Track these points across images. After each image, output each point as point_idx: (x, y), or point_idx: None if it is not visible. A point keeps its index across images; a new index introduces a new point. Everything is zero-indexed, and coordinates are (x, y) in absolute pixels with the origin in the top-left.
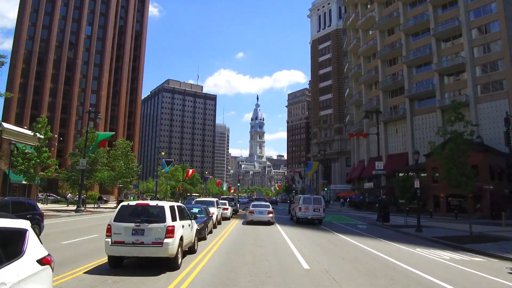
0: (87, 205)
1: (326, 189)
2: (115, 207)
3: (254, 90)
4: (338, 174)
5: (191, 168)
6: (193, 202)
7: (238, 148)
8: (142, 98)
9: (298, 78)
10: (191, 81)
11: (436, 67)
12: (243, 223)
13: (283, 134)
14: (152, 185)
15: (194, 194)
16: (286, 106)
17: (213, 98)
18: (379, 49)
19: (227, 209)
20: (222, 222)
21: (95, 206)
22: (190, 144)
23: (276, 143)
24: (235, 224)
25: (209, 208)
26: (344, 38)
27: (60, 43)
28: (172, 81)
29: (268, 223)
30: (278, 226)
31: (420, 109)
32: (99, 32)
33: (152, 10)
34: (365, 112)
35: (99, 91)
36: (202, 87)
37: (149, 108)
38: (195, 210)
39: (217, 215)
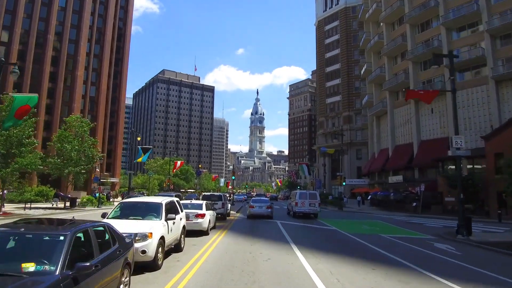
0: (17, 205)
1: (344, 183)
2: (65, 207)
3: (254, 86)
4: (348, 168)
5: (179, 160)
6: (104, 219)
7: (238, 145)
8: (136, 90)
9: (299, 74)
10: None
11: (487, 27)
12: (230, 244)
13: (283, 131)
14: (141, 180)
15: (189, 190)
16: (288, 98)
17: (211, 89)
18: (407, 11)
19: (202, 216)
20: (193, 242)
21: (27, 206)
22: (187, 138)
23: (276, 140)
24: (214, 246)
25: (140, 225)
26: (360, 7)
27: (29, 15)
28: (167, 71)
29: (267, 217)
30: (297, 252)
31: (464, 82)
32: (75, 3)
33: (152, 6)
34: (432, 56)
35: (74, 71)
36: (199, 78)
37: (143, 100)
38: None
39: (160, 242)
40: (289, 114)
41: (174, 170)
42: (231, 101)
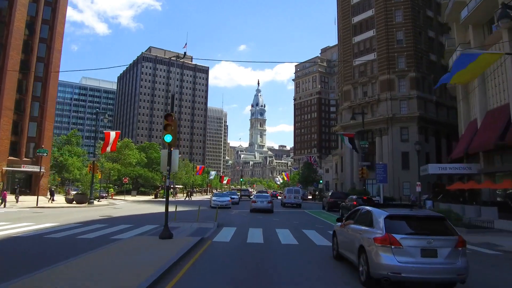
0: None
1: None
2: None
3: (255, 83)
4: (390, 154)
5: (111, 131)
6: None
7: (239, 143)
8: (119, 74)
9: None
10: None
11: None
12: None
13: (285, 127)
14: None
15: (177, 187)
16: (293, 80)
17: (205, 70)
18: None
19: None
20: None
21: None
22: (176, 126)
23: (277, 136)
24: None
25: None
26: None
27: None
28: (154, 48)
29: (268, 211)
30: None
31: None
32: None
33: (154, 4)
34: None
35: None
36: (191, 57)
37: (128, 84)
38: None
39: None
40: (294, 99)
41: (105, 149)
42: (231, 97)
